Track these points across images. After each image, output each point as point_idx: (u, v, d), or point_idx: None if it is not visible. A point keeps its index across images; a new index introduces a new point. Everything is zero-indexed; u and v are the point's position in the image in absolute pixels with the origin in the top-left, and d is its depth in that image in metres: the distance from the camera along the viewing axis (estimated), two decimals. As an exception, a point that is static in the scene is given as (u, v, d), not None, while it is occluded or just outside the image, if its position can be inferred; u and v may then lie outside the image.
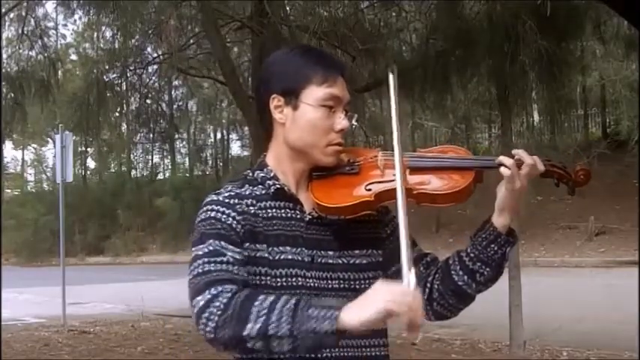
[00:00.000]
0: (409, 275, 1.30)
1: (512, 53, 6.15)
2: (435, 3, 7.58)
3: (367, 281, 1.54)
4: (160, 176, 33.74)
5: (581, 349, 6.79)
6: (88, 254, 28.45)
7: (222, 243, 1.44)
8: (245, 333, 1.29)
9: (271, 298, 1.32)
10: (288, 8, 8.59)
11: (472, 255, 1.52)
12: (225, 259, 1.42)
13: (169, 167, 33.87)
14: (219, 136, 32.52)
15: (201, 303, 1.34)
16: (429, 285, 1.57)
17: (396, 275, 1.54)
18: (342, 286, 1.51)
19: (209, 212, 1.49)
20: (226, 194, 1.51)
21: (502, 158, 1.47)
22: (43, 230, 27.50)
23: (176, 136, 28.90)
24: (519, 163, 1.46)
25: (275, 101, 1.54)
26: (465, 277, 1.52)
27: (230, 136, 31.29)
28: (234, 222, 1.47)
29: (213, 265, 1.41)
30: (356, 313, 1.25)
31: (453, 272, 1.54)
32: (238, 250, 1.45)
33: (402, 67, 7.82)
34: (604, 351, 6.68)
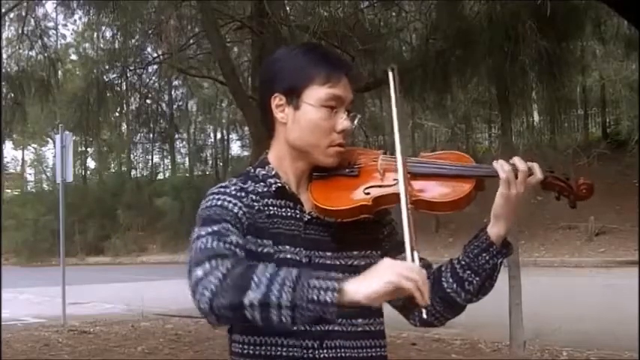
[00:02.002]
0: (413, 254, 1.31)
1: (512, 53, 6.15)
2: (435, 3, 7.57)
3: None
4: (160, 176, 33.80)
5: (581, 349, 6.78)
6: (88, 254, 28.48)
7: (229, 226, 1.41)
8: (245, 301, 1.23)
9: (272, 267, 1.28)
10: (288, 8, 8.58)
11: (463, 263, 1.51)
12: (229, 239, 1.39)
13: (169, 167, 33.92)
14: (219, 136, 32.56)
15: (200, 273, 1.30)
16: None
17: None
18: None
19: (215, 201, 1.47)
20: (233, 187, 1.50)
21: (497, 167, 1.46)
22: (43, 230, 27.54)
23: (176, 136, 28.94)
24: (515, 170, 1.45)
25: (277, 100, 1.53)
26: (454, 285, 1.51)
27: (230, 136, 31.31)
28: (240, 212, 1.46)
29: (216, 242, 1.37)
30: (361, 286, 1.23)
31: (443, 279, 1.53)
32: (243, 237, 1.43)
33: (402, 67, 7.82)
34: (604, 351, 6.68)
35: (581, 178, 1.50)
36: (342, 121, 1.51)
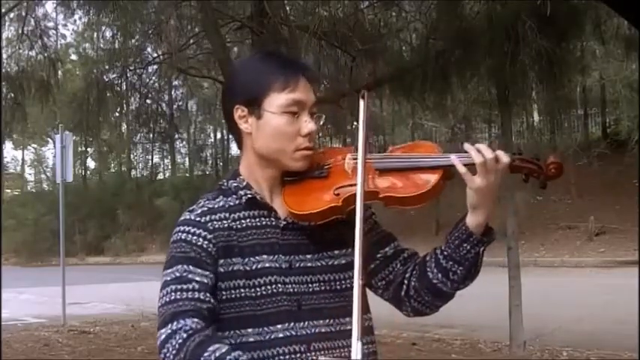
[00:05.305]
0: (356, 345, 1.30)
1: (512, 53, 6.15)
2: (435, 3, 7.58)
3: (347, 281, 1.52)
4: (160, 176, 33.81)
5: (581, 349, 6.79)
6: (88, 254, 28.48)
7: (191, 267, 1.45)
8: None
9: (221, 351, 1.34)
10: (288, 8, 8.57)
11: (445, 253, 1.52)
12: (191, 286, 1.44)
13: (169, 167, 33.94)
14: (219, 136, 32.55)
15: (163, 337, 1.40)
16: (405, 282, 1.57)
17: (373, 274, 1.57)
18: (322, 288, 1.51)
19: (180, 234, 1.50)
20: (199, 211, 1.52)
21: (471, 151, 1.44)
22: (43, 230, 27.52)
23: (176, 136, 28.92)
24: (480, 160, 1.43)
25: (239, 111, 1.53)
26: (439, 275, 1.52)
27: (230, 136, 31.25)
28: (206, 242, 1.48)
29: (179, 293, 1.43)
30: None
31: (428, 270, 1.54)
32: (207, 272, 1.46)
33: (402, 67, 7.83)
34: (604, 351, 6.68)
35: (551, 157, 1.47)
36: (307, 125, 1.51)
